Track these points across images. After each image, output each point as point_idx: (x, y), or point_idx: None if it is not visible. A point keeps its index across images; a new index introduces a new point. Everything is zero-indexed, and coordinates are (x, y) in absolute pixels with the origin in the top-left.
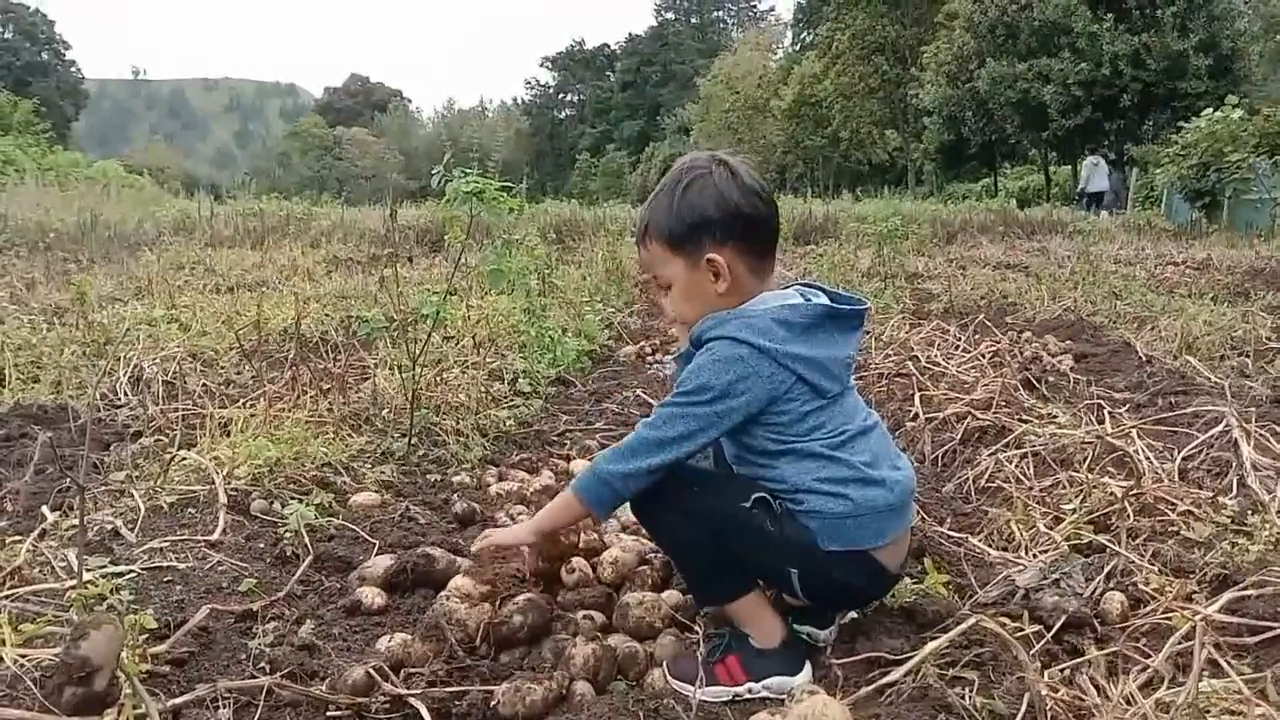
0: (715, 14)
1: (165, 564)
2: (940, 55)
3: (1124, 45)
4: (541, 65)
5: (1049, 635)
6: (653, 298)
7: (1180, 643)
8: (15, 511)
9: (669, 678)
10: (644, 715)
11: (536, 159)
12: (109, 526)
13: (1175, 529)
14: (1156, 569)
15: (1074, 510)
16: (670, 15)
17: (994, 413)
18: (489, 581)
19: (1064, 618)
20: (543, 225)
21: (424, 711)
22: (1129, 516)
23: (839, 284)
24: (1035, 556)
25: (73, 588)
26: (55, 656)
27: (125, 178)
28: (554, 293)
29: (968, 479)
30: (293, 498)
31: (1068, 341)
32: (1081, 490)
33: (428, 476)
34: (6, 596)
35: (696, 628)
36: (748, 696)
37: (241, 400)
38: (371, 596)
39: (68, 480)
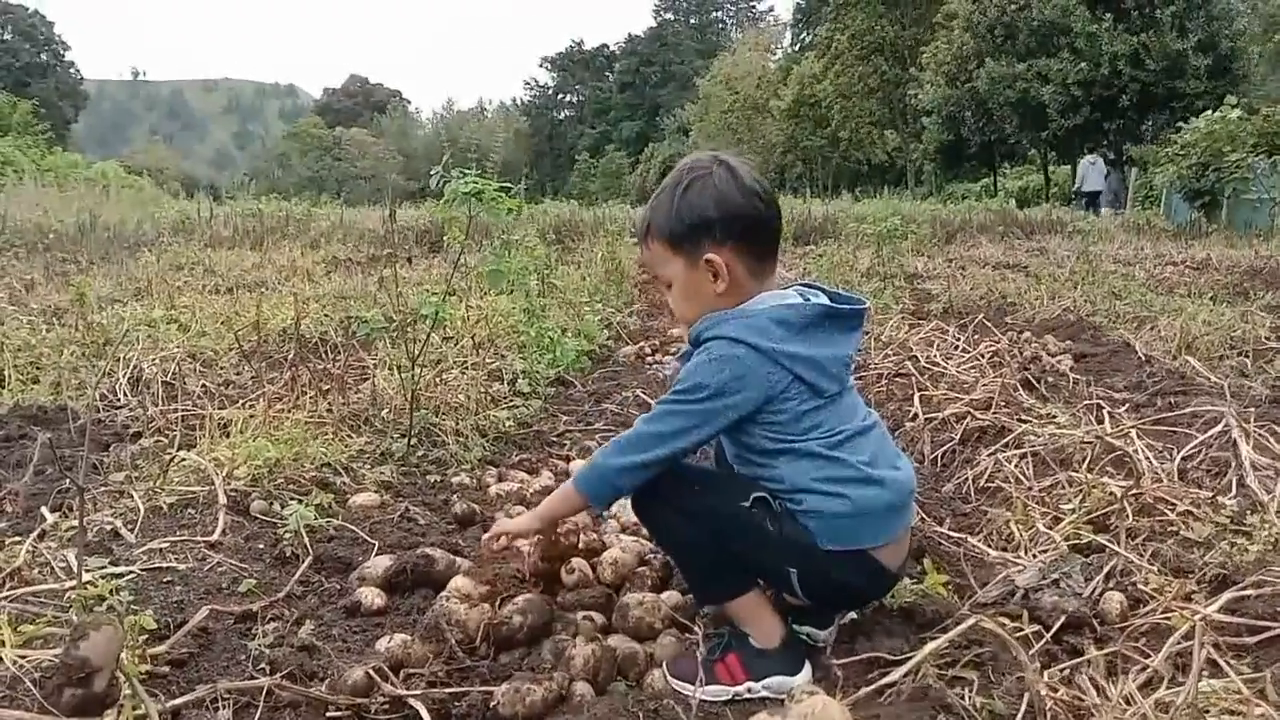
0: (714, 14)
1: (165, 565)
2: (939, 55)
3: (1123, 45)
4: (540, 66)
5: (1048, 635)
6: (657, 298)
7: (1179, 643)
8: (15, 512)
9: (669, 678)
10: (644, 716)
11: (535, 159)
12: (108, 527)
13: (1174, 529)
14: (1156, 569)
15: (1073, 510)
16: (669, 16)
17: (993, 413)
18: (489, 582)
19: (1063, 618)
20: (542, 226)
21: (424, 712)
22: (1128, 516)
23: (838, 284)
24: (1035, 556)
25: (72, 588)
26: (55, 657)
27: (124, 178)
28: (553, 293)
29: (967, 479)
30: (292, 498)
31: (1067, 341)
32: (1081, 490)
33: (427, 477)
34: (6, 597)
35: (696, 628)
36: (747, 696)
37: (241, 401)
38: (371, 597)
39: (67, 481)
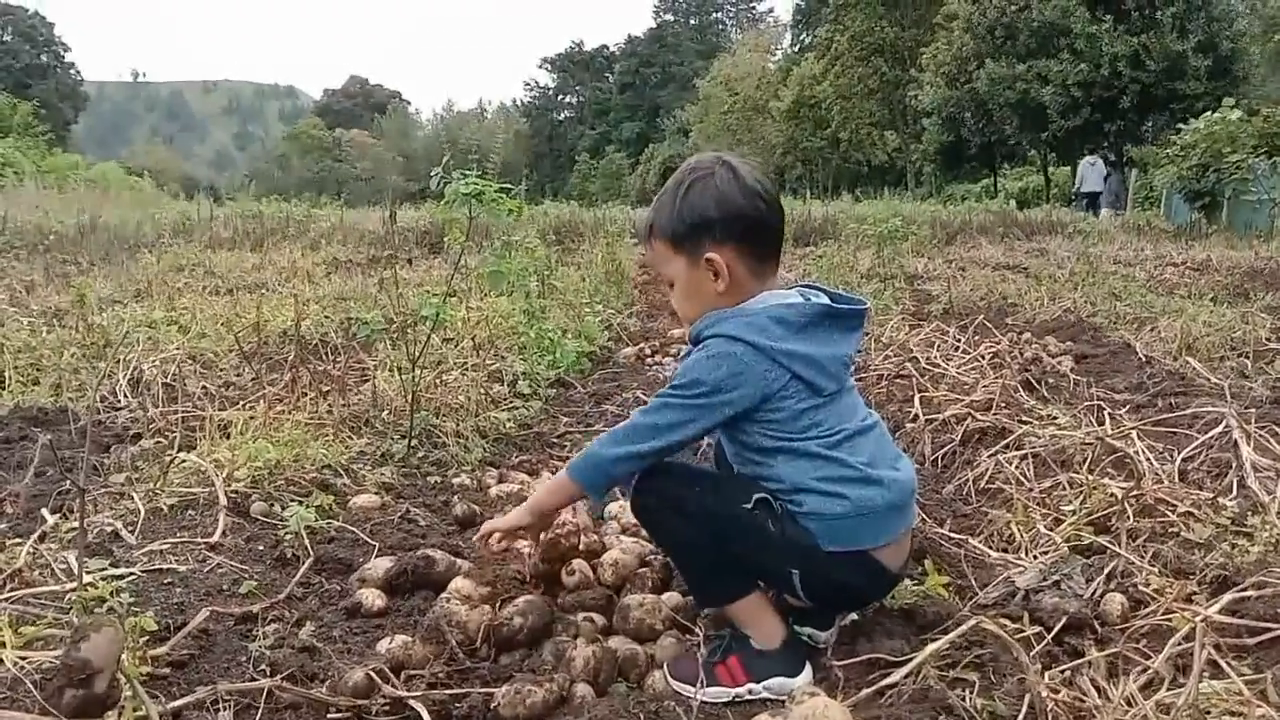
0: (714, 15)
1: (165, 566)
2: (939, 56)
3: (1123, 46)
4: (540, 67)
5: (1049, 636)
6: (658, 299)
7: (1180, 644)
8: (15, 514)
9: (669, 679)
10: (645, 717)
11: (535, 160)
12: (109, 529)
13: (1175, 530)
14: (1157, 570)
15: (1074, 511)
16: (669, 17)
17: (994, 414)
18: (489, 583)
19: (1064, 619)
20: (542, 227)
21: (424, 713)
22: (1129, 518)
23: (838, 285)
24: (1035, 558)
25: (73, 590)
26: (55, 659)
27: (124, 180)
28: (553, 294)
29: (968, 480)
30: (293, 500)
31: (1068, 342)
32: (1081, 491)
33: (428, 478)
34: (7, 599)
35: (697, 629)
36: (748, 698)
37: (241, 402)
38: (372, 598)
39: (68, 482)
